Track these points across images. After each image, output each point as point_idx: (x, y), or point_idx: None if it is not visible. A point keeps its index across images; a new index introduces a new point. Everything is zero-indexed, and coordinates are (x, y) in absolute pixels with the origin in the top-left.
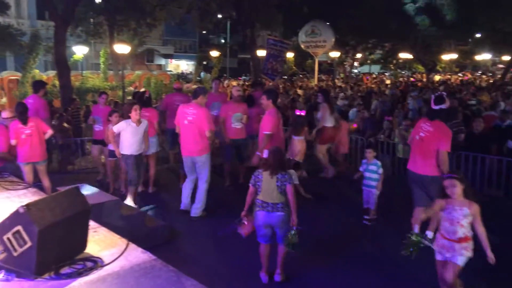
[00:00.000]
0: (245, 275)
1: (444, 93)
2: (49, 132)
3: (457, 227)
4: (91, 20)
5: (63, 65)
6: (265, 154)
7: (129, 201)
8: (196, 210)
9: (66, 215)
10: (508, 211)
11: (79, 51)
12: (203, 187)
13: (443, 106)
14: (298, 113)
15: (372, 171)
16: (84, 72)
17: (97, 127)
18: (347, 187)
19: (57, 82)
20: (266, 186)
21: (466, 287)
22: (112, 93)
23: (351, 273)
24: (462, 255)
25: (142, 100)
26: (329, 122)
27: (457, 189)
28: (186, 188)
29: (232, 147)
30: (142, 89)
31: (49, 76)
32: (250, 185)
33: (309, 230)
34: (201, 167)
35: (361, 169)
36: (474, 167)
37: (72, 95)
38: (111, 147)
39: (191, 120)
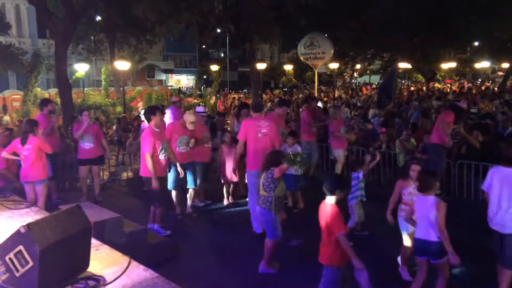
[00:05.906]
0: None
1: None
2: (48, 151)
3: None
4: (92, 37)
5: (64, 82)
6: None
7: None
8: None
9: (67, 233)
10: None
11: (81, 68)
12: None
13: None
14: None
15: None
16: (85, 89)
17: (87, 145)
18: None
19: (59, 100)
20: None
21: None
22: (112, 110)
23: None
24: None
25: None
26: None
27: None
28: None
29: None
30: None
31: (51, 94)
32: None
33: None
34: None
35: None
36: (476, 176)
37: (74, 112)
38: None
39: (265, 132)
